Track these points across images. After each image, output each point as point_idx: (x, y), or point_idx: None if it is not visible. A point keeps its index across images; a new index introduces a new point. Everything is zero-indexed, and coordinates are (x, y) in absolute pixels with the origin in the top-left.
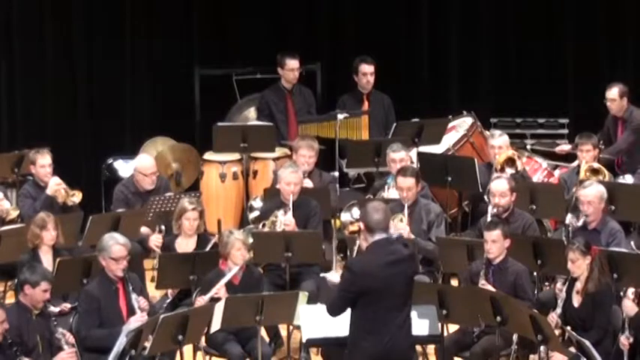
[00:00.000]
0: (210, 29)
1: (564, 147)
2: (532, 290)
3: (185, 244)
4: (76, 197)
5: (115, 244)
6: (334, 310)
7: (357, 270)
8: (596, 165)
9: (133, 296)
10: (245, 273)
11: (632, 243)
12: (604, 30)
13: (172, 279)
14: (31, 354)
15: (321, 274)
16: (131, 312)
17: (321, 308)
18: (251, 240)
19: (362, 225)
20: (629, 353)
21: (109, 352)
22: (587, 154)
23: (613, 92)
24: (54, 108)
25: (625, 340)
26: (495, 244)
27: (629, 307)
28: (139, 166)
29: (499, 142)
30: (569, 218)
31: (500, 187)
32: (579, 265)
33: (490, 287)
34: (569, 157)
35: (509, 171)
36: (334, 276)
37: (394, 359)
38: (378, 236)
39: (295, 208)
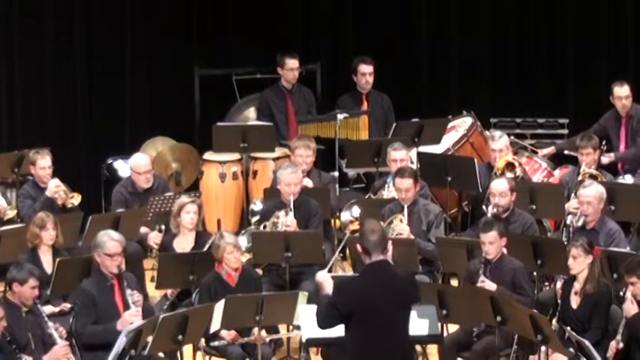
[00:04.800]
0: (210, 29)
1: (545, 150)
2: (531, 289)
3: (183, 242)
4: (75, 200)
5: (110, 240)
6: (325, 324)
7: (347, 293)
8: (594, 172)
9: (128, 292)
10: (242, 275)
11: (627, 248)
12: (604, 30)
13: (172, 279)
14: (23, 351)
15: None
16: (127, 308)
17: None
18: (249, 243)
19: (359, 247)
20: (617, 357)
21: (106, 349)
22: (588, 157)
23: (626, 89)
24: (54, 108)
25: (614, 347)
26: (493, 244)
27: (628, 308)
28: (132, 165)
29: (499, 145)
30: (570, 218)
31: (500, 187)
32: (580, 262)
33: (490, 283)
34: (570, 156)
35: (509, 175)
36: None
37: None
38: (375, 258)
39: (295, 208)
